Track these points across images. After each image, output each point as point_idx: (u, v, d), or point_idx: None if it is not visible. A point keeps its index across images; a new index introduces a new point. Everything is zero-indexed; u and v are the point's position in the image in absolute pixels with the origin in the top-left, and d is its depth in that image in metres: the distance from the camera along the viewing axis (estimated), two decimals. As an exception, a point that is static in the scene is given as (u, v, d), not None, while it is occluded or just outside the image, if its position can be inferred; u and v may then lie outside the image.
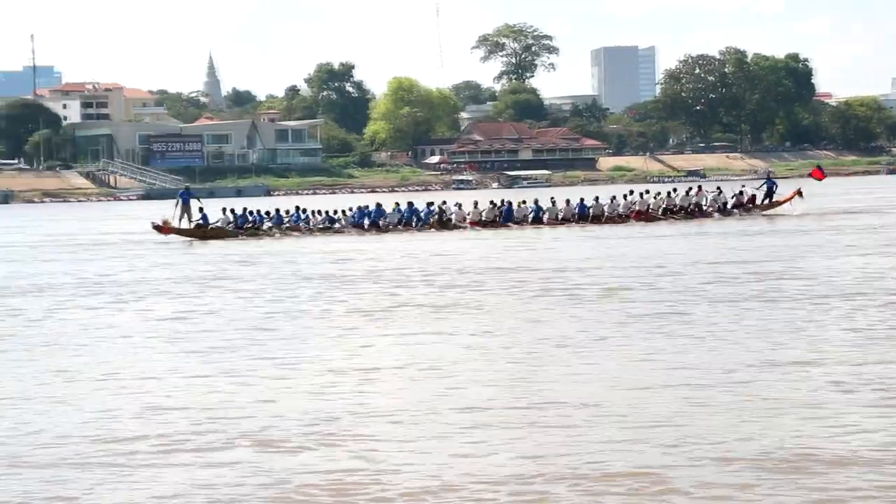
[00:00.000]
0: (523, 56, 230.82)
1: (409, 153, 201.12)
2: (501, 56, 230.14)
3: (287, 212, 53.31)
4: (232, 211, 52.61)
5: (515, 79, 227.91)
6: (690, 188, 59.69)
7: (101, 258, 42.92)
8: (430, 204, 55.55)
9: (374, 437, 12.74)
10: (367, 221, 53.03)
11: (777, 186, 58.51)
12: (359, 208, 54.16)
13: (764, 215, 55.28)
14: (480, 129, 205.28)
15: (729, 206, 56.50)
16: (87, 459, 12.25)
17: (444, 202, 56.37)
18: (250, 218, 52.39)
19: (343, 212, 53.60)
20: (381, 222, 53.01)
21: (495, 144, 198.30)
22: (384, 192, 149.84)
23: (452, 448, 12.18)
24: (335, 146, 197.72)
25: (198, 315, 23.99)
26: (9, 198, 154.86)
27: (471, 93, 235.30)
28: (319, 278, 31.02)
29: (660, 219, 54.18)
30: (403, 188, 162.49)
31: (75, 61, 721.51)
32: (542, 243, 43.63)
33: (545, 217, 54.03)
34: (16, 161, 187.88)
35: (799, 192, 55.98)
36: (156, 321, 23.19)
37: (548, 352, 18.06)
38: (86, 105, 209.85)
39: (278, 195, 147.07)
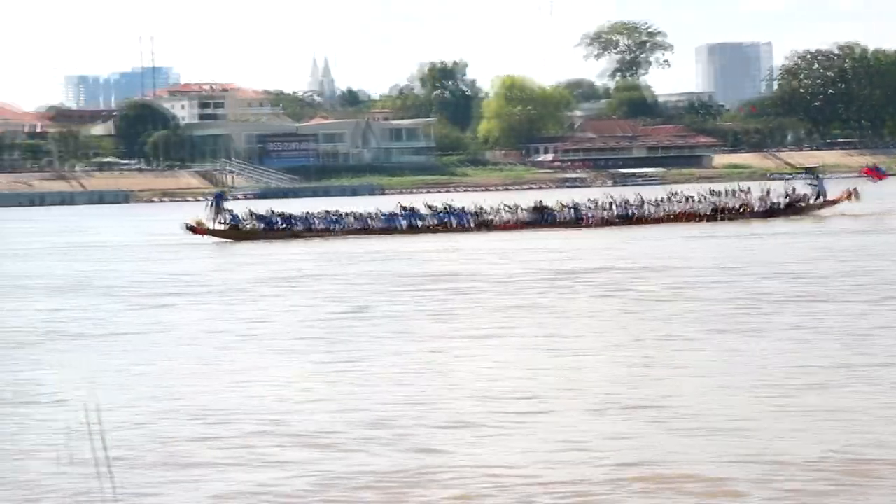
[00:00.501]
0: (637, 53, 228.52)
1: (522, 151, 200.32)
2: (614, 53, 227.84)
3: (327, 212, 54.68)
4: (262, 213, 54.63)
5: (630, 76, 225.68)
6: (735, 189, 58.31)
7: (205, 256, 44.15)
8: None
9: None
10: (403, 223, 54.17)
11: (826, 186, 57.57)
12: (402, 207, 55.29)
13: (816, 215, 54.56)
14: (592, 127, 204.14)
15: (781, 205, 55.46)
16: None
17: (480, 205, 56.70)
18: (280, 220, 54.26)
19: (372, 215, 54.64)
20: (418, 223, 54.19)
21: (608, 142, 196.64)
22: (496, 190, 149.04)
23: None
24: (447, 144, 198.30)
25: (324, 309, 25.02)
26: (129, 197, 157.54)
27: (583, 90, 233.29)
28: (447, 277, 31.25)
29: (704, 219, 53.66)
30: (516, 186, 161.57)
31: (192, 62, 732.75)
32: (635, 243, 43.22)
33: (587, 218, 54.33)
34: (134, 161, 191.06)
35: (855, 192, 54.78)
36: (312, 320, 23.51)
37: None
38: (202, 105, 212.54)
39: (391, 194, 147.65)
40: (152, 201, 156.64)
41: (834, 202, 55.29)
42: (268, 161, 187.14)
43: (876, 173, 62.00)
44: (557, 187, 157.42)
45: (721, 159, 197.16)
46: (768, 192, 55.84)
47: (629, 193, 58.95)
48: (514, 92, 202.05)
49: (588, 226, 53.21)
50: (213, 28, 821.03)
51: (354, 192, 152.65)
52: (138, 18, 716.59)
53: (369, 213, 54.28)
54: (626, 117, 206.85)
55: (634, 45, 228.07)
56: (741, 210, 54.42)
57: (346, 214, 54.10)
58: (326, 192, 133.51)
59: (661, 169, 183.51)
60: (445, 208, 54.95)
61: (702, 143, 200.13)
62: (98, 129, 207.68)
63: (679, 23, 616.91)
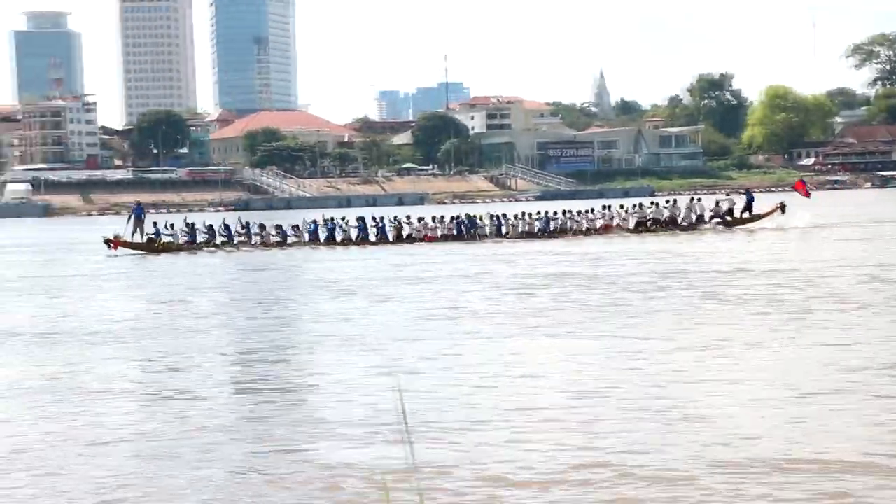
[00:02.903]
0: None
1: (784, 155, 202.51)
2: (875, 63, 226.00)
3: (245, 225, 51.10)
4: (186, 225, 51.15)
5: (890, 84, 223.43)
6: (667, 200, 56.07)
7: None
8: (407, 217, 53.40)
9: None
10: (322, 235, 50.52)
11: (754, 200, 53.99)
12: (313, 221, 51.28)
13: (743, 229, 51.26)
14: (854, 133, 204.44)
15: (706, 217, 52.62)
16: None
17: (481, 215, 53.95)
18: (200, 233, 50.74)
19: (296, 226, 50.91)
20: (337, 237, 50.58)
21: (868, 147, 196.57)
22: (760, 192, 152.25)
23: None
24: (714, 150, 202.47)
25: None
26: (424, 199, 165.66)
27: (844, 98, 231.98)
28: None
29: (630, 232, 50.72)
30: (779, 188, 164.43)
31: (482, 78, 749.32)
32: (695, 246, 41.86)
33: (504, 232, 51.20)
34: (429, 167, 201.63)
35: (781, 207, 51.71)
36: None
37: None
38: (490, 116, 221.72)
39: (661, 195, 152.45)
40: (444, 203, 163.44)
41: (762, 216, 52.66)
42: (548, 166, 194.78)
43: (805, 188, 58.78)
44: (819, 189, 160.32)
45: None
46: (694, 202, 53.72)
47: (556, 207, 55.79)
48: (779, 100, 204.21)
49: (507, 238, 50.34)
50: (501, 46, 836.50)
51: (627, 193, 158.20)
52: (437, 38, 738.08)
53: (295, 225, 50.79)
54: (885, 123, 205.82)
55: (895, 56, 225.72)
56: (665, 222, 51.88)
57: (267, 227, 50.72)
58: (601, 195, 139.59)
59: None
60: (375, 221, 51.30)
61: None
62: (399, 139, 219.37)
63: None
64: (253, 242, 50.14)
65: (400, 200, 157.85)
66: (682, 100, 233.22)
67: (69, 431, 13.07)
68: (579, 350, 17.77)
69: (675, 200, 55.39)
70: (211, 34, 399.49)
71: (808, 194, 58.57)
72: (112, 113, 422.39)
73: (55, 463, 11.61)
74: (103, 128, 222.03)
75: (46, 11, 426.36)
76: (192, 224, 51.28)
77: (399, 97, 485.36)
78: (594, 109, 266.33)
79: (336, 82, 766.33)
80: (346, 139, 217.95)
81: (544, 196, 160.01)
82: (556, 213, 52.76)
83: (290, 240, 50.34)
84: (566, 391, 14.56)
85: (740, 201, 53.94)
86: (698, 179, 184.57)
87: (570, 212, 52.84)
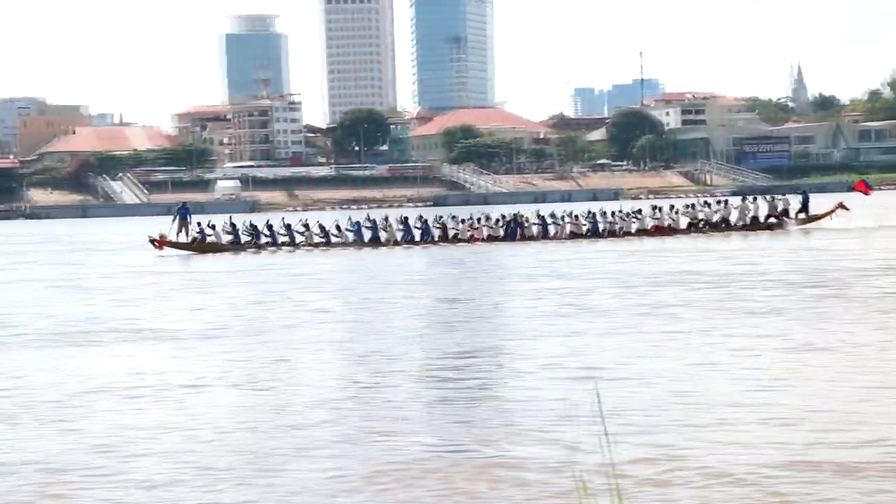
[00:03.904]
0: None
1: None
2: None
3: (288, 226, 50.30)
4: (233, 226, 50.37)
5: None
6: (718, 201, 54.33)
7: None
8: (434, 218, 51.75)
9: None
10: (366, 236, 49.38)
11: (809, 200, 52.02)
12: (357, 222, 50.00)
13: (800, 229, 49.54)
14: None
15: (761, 218, 50.62)
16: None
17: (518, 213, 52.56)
18: (243, 233, 50.07)
19: (338, 226, 50.01)
20: (381, 237, 49.38)
21: None
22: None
23: None
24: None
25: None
26: (618, 195, 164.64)
27: None
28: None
29: (682, 233, 49.11)
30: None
31: (677, 74, 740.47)
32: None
33: (553, 232, 49.76)
34: (624, 163, 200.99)
35: (841, 205, 50.11)
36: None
37: None
38: (685, 112, 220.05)
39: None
40: (639, 198, 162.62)
41: (820, 216, 51.07)
42: (744, 161, 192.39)
43: (867, 188, 57.90)
44: None
45: None
46: (747, 203, 51.78)
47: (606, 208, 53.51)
48: None
49: (555, 238, 49.12)
50: (697, 41, 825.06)
51: (823, 189, 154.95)
52: (632, 35, 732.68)
53: (338, 226, 50.02)
54: None
55: None
56: (719, 224, 50.38)
57: (311, 227, 49.99)
58: (796, 190, 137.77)
59: None
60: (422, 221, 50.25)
61: None
62: (594, 135, 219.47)
63: None
64: (297, 242, 49.41)
65: (594, 196, 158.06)
66: (882, 93, 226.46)
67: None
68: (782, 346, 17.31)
69: (726, 201, 53.65)
70: (411, 34, 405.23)
71: (868, 192, 58.09)
72: (316, 111, 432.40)
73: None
74: (307, 126, 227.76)
75: (254, 14, 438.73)
76: (235, 225, 50.68)
77: (594, 94, 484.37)
78: (791, 104, 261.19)
79: (532, 80, 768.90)
80: (541, 136, 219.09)
81: (741, 191, 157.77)
82: (604, 213, 51.13)
83: (333, 240, 49.54)
84: (777, 388, 14.04)
85: (795, 201, 52.08)
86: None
87: (620, 212, 51.39)
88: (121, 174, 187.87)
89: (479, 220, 50.49)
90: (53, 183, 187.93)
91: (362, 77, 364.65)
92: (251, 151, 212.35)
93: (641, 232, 49.39)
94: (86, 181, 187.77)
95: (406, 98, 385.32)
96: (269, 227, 50.48)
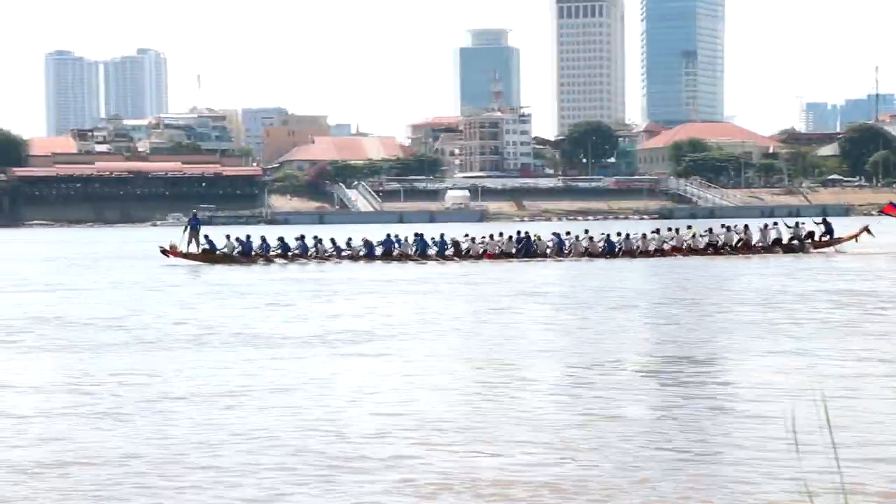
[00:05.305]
0: None
1: None
2: None
3: (301, 237, 49.53)
4: (237, 238, 49.52)
5: None
6: (735, 225, 51.96)
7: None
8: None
9: None
10: (378, 250, 48.72)
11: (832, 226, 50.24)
12: (363, 239, 50.01)
13: (822, 253, 47.85)
14: None
15: (783, 241, 48.88)
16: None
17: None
18: (255, 245, 49.12)
19: (348, 241, 49.82)
20: (394, 251, 48.64)
21: None
22: None
23: None
24: None
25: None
26: (849, 211, 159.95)
27: None
28: None
29: (700, 253, 47.66)
30: None
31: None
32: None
33: (567, 251, 48.14)
34: (856, 179, 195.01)
35: (867, 230, 47.98)
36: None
37: None
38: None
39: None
40: (871, 214, 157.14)
41: (844, 240, 49.46)
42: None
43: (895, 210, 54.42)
44: None
45: None
46: (768, 227, 49.93)
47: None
48: None
49: (570, 257, 47.72)
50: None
51: None
52: (867, 50, 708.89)
53: (348, 240, 49.95)
54: None
55: None
56: (738, 245, 48.95)
57: (321, 241, 49.55)
58: None
59: None
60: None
61: None
62: (825, 150, 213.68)
63: None
64: (308, 254, 48.76)
65: (823, 211, 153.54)
66: None
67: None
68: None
69: (746, 226, 51.65)
70: (641, 48, 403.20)
71: None
72: (545, 124, 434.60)
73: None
74: (536, 138, 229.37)
75: (489, 29, 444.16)
76: (248, 236, 50.33)
77: (826, 109, 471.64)
78: None
79: (762, 94, 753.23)
80: (770, 150, 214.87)
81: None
82: (619, 233, 49.61)
83: (343, 254, 49.08)
84: None
85: (814, 226, 50.22)
86: None
87: (636, 234, 49.81)
88: (356, 182, 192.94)
89: (490, 236, 49.60)
90: (293, 190, 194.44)
91: (592, 90, 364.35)
92: (481, 162, 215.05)
93: (658, 252, 48.00)
94: (323, 189, 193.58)
95: (635, 111, 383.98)
96: (281, 239, 50.05)
